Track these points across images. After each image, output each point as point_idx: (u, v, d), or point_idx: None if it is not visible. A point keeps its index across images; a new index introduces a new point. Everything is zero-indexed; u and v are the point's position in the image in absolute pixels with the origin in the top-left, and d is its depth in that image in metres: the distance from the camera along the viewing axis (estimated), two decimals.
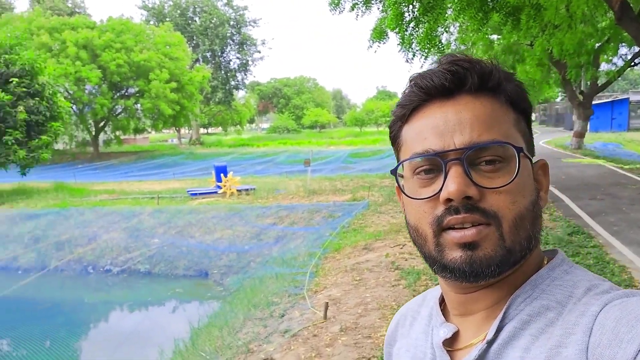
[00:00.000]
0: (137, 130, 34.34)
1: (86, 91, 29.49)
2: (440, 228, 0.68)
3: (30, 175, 16.65)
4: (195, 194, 14.89)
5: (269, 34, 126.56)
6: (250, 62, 48.44)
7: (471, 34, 16.43)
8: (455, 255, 0.67)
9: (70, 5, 43.02)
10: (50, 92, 16.37)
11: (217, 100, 45.98)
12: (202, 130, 55.11)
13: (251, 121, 65.77)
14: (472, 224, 0.66)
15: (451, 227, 0.67)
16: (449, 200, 0.67)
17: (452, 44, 20.96)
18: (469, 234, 0.66)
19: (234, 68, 47.93)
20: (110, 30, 30.31)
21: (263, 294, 7.19)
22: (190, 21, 46.30)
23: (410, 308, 0.93)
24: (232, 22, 46.94)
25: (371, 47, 11.01)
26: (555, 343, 0.63)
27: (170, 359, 6.27)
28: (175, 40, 33.83)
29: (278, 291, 7.06)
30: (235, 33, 47.38)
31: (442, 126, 0.69)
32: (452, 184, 0.66)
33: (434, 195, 0.69)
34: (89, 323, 9.84)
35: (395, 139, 0.78)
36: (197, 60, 44.38)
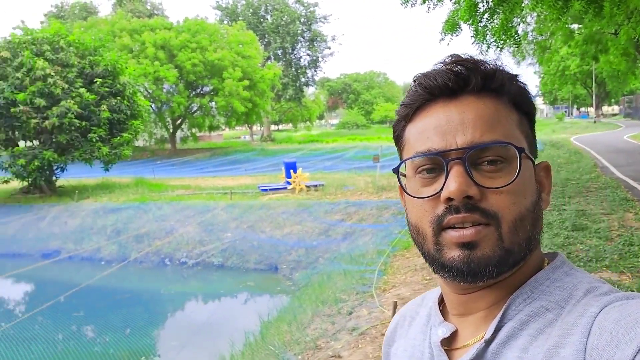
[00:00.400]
0: (212, 128, 35.43)
1: (164, 90, 30.78)
2: (440, 227, 0.68)
3: (112, 171, 17.58)
4: (266, 189, 15.16)
5: (339, 30, 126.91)
6: (320, 59, 48.73)
7: (550, 24, 15.60)
8: (453, 254, 0.67)
9: (149, 7, 45.01)
10: (131, 91, 17.18)
11: (287, 97, 46.62)
12: (272, 127, 56.14)
13: (320, 117, 66.28)
14: (472, 224, 0.66)
15: (451, 227, 0.67)
16: (449, 199, 0.67)
17: (529, 35, 20.09)
18: (467, 233, 0.66)
19: (304, 65, 48.39)
20: (186, 30, 31.43)
21: (331, 290, 7.20)
22: (262, 19, 47.18)
23: (409, 308, 0.93)
24: (302, 19, 47.38)
25: (443, 39, 10.70)
26: (553, 343, 0.63)
27: (240, 351, 6.40)
28: (248, 39, 34.58)
29: (346, 288, 7.05)
30: (305, 30, 47.80)
31: (444, 126, 0.70)
32: (453, 183, 0.66)
33: (435, 194, 0.69)
34: (165, 312, 10.27)
35: (398, 138, 0.79)
36: (268, 58, 45.17)
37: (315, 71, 48.94)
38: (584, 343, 0.60)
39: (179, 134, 36.33)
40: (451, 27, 11.00)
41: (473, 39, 11.45)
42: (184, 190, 16.70)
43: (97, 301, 10.10)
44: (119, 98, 16.54)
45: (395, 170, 0.77)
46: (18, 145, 15.98)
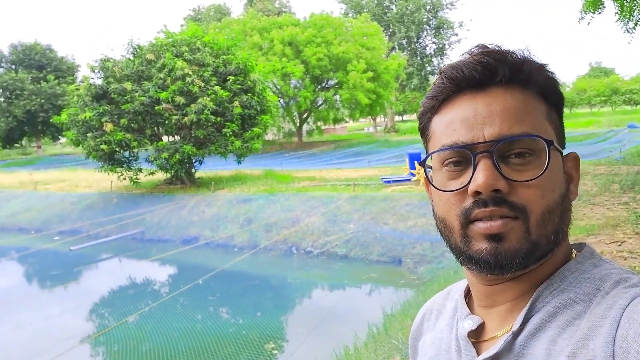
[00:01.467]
0: (336, 120, 35.98)
1: (291, 85, 31.82)
2: (468, 220, 0.68)
3: (244, 164, 18.55)
4: (389, 181, 15.05)
5: (467, 16, 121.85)
6: (446, 46, 47.25)
7: None
8: (481, 246, 0.67)
9: (277, 5, 46.77)
10: (260, 87, 17.96)
11: (412, 87, 45.90)
12: (396, 118, 55.64)
13: None
14: (500, 217, 0.66)
15: (478, 219, 0.67)
16: (477, 193, 0.66)
17: None
18: (495, 225, 0.66)
19: (430, 53, 47.25)
20: (312, 26, 32.15)
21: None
22: (386, 10, 46.81)
23: (435, 302, 0.93)
24: (428, 7, 46.23)
25: (583, 18, 9.81)
26: (582, 335, 0.62)
27: (364, 342, 6.41)
28: (372, 31, 34.51)
29: None
30: (431, 18, 46.60)
31: (471, 118, 0.69)
32: (481, 177, 0.66)
33: (463, 187, 0.68)
34: (292, 299, 10.63)
35: (424, 131, 0.78)
36: (392, 48, 44.75)
37: (441, 59, 47.58)
38: (613, 335, 0.59)
39: (305, 127, 37.39)
40: (593, 4, 10.07)
41: (617, 16, 10.42)
42: (309, 181, 17.15)
43: (231, 285, 10.73)
44: (249, 94, 17.37)
45: (422, 163, 0.77)
46: (162, 140, 17.47)
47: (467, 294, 0.83)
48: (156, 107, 16.13)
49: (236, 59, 17.71)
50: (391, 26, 46.38)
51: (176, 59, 16.60)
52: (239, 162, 18.08)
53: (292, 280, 11.46)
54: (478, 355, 0.73)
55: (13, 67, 41.42)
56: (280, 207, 14.19)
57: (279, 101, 29.62)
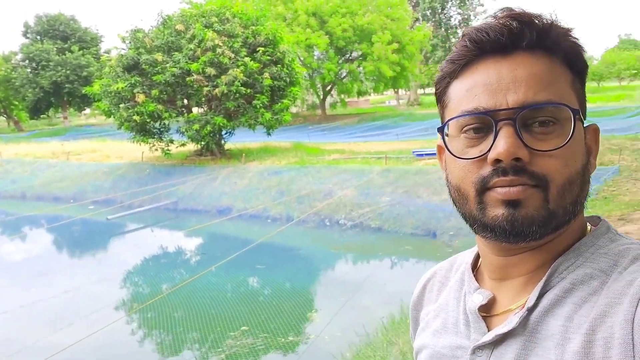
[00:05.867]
0: (360, 93, 35.70)
1: (315, 57, 31.54)
2: (485, 188, 0.66)
3: (270, 136, 18.60)
4: (421, 154, 14.99)
5: None
6: (472, 17, 46.29)
7: None
8: (497, 212, 0.65)
9: None
10: (290, 59, 17.87)
11: (436, 59, 45.19)
12: (419, 91, 55.00)
13: None
14: (519, 185, 0.64)
15: (497, 187, 0.65)
16: (497, 161, 0.65)
17: None
18: (514, 190, 0.64)
19: (455, 24, 46.37)
20: None
21: None
22: None
23: (437, 273, 0.91)
24: None
25: None
26: (599, 312, 0.61)
27: (398, 319, 6.46)
28: (397, 1, 33.89)
29: None
30: None
31: (495, 83, 0.66)
32: (502, 144, 0.64)
33: (482, 155, 0.66)
34: (330, 271, 10.78)
35: (441, 96, 0.76)
36: (417, 19, 43.98)
37: None
38: (632, 312, 0.58)
39: (328, 99, 37.19)
40: None
41: None
42: (339, 154, 17.15)
43: (269, 257, 10.90)
44: (279, 66, 17.30)
45: (440, 130, 0.74)
46: (192, 112, 17.54)
47: (474, 267, 0.82)
48: (187, 79, 16.16)
49: (265, 29, 17.59)
50: None
51: (206, 29, 16.54)
52: (269, 134, 18.13)
53: (328, 253, 11.60)
54: (488, 330, 0.71)
55: (38, 37, 41.62)
56: (311, 180, 14.25)
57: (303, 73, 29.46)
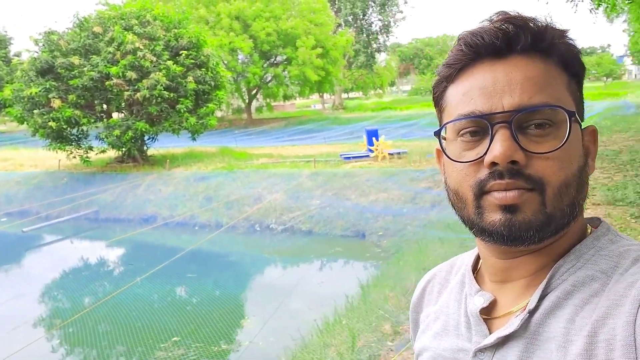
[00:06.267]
0: (286, 97, 35.80)
1: (239, 61, 31.27)
2: (482, 192, 0.67)
3: (196, 141, 18.22)
4: (349, 157, 15.24)
5: None
6: (392, 23, 47.68)
7: None
8: (494, 217, 0.66)
9: None
10: (214, 62, 17.60)
11: (359, 64, 46.10)
12: (344, 95, 55.91)
13: (392, 84, 65.18)
14: (516, 189, 0.64)
15: (493, 190, 0.66)
16: (493, 164, 0.65)
17: None
18: (510, 195, 0.64)
19: (376, 30, 47.52)
20: (259, 0, 31.60)
21: (432, 257, 7.22)
22: None
23: (437, 275, 0.91)
24: None
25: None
26: (601, 314, 0.61)
27: (343, 315, 6.53)
28: (320, 6, 34.32)
29: (448, 255, 6.99)
30: None
31: (490, 87, 0.67)
32: (498, 147, 0.64)
33: (478, 158, 0.67)
34: (262, 276, 10.69)
35: (438, 100, 0.76)
36: (339, 25, 44.70)
37: (387, 37, 48.00)
38: (634, 314, 0.59)
39: (254, 103, 36.98)
40: None
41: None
42: (267, 158, 17.09)
43: (199, 265, 10.64)
44: (203, 70, 17.00)
45: (437, 134, 0.74)
46: (112, 117, 16.85)
47: (474, 269, 0.82)
48: (106, 83, 15.51)
49: (188, 33, 17.24)
50: (337, 2, 46.23)
51: (125, 32, 15.96)
52: (194, 139, 17.75)
53: (260, 258, 11.50)
54: (490, 333, 0.71)
55: None
56: (240, 185, 14.10)
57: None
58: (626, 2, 9.96)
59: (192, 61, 16.82)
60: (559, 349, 0.63)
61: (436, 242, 8.21)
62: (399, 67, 63.19)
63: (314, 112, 42.19)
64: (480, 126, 0.68)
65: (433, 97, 0.78)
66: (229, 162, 16.42)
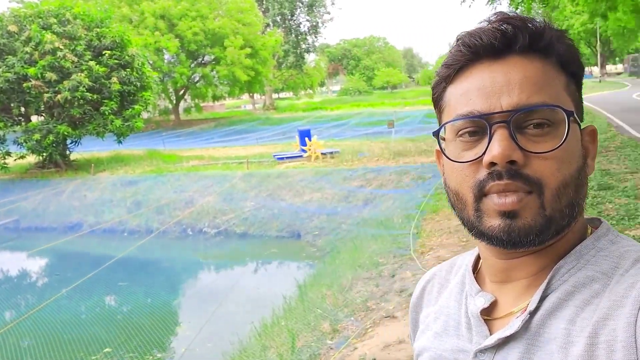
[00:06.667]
0: (215, 98, 35.27)
1: (165, 61, 30.48)
2: (482, 193, 0.66)
3: (121, 144, 17.57)
4: (282, 158, 15.24)
5: None
6: (320, 24, 48.13)
7: None
8: (493, 223, 0.66)
9: None
10: (139, 63, 17.06)
11: (288, 64, 46.20)
12: (274, 96, 55.81)
13: (321, 84, 65.79)
14: (514, 191, 0.64)
15: (492, 193, 0.65)
16: (492, 164, 0.64)
17: None
18: (509, 201, 0.64)
19: (304, 31, 47.81)
20: None
21: (367, 254, 7.36)
22: None
23: (436, 274, 0.90)
24: None
25: (464, 1, 10.70)
26: (602, 315, 0.61)
27: (280, 315, 6.53)
28: (247, 6, 34.07)
29: (381, 252, 7.20)
30: None
31: (489, 87, 0.67)
32: (497, 147, 0.64)
33: (477, 158, 0.66)
34: (194, 280, 10.49)
35: (437, 101, 0.76)
36: (267, 25, 44.56)
37: (315, 37, 48.44)
38: (635, 315, 0.58)
39: (182, 104, 36.17)
40: None
41: None
42: (198, 160, 16.78)
43: (132, 272, 10.30)
44: (128, 70, 16.43)
45: (436, 134, 0.74)
46: (31, 120, 15.94)
47: (474, 269, 0.81)
48: (24, 84, 14.68)
49: (111, 32, 16.60)
50: (264, 2, 46.07)
51: (44, 31, 15.16)
52: (120, 142, 17.10)
53: (193, 262, 11.31)
54: (491, 334, 0.71)
55: None
56: (170, 188, 13.76)
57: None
58: (540, 5, 10.56)
59: (116, 61, 16.23)
60: (560, 350, 0.63)
61: (370, 239, 8.38)
62: (328, 68, 63.88)
63: (245, 112, 41.84)
64: (479, 126, 0.68)
65: (432, 98, 0.78)
66: (157, 165, 15.98)
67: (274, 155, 15.71)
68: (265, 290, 8.88)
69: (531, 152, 0.64)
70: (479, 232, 0.68)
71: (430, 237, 7.14)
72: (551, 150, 0.64)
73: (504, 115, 0.65)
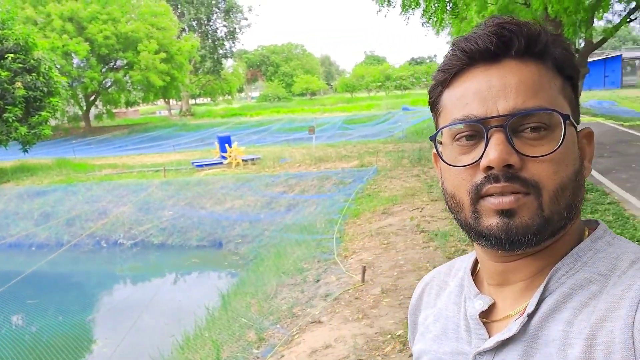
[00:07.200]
0: (129, 103, 33.97)
1: (74, 65, 28.97)
2: (479, 196, 0.67)
3: (28, 153, 16.50)
4: (201, 165, 14.91)
5: (256, 1, 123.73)
6: (237, 30, 47.67)
7: None
8: (491, 222, 0.66)
9: None
10: (46, 67, 16.09)
11: (205, 70, 45.38)
12: (191, 101, 54.55)
13: (240, 90, 65.17)
14: (512, 193, 0.65)
15: (489, 195, 0.66)
16: (489, 168, 0.65)
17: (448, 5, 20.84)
18: (507, 200, 0.65)
19: (222, 36, 47.16)
20: (95, 1, 29.57)
21: (291, 260, 7.35)
22: None
23: (435, 277, 0.91)
24: None
25: (380, 11, 11.04)
26: (599, 317, 0.62)
27: (203, 327, 6.38)
28: (162, 10, 33.13)
29: (305, 257, 7.22)
30: (220, 0, 46.43)
31: (485, 91, 0.67)
32: (494, 151, 0.64)
33: (474, 162, 0.67)
34: (109, 295, 10.00)
35: (434, 105, 0.76)
36: (183, 30, 43.55)
37: (233, 43, 47.91)
38: (632, 317, 0.59)
39: (93, 111, 34.49)
40: None
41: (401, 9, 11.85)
42: (112, 169, 16.04)
43: (41, 289, 9.65)
44: (34, 74, 15.45)
45: (433, 138, 0.75)
46: None
47: (473, 272, 0.82)
48: None
49: (14, 34, 15.55)
50: (180, 6, 45.02)
51: None
52: (25, 151, 16.02)
53: (108, 276, 10.78)
54: (489, 336, 0.71)
55: None
56: (82, 199, 13.05)
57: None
58: (450, 17, 11.11)
59: (21, 65, 15.23)
60: (559, 352, 0.63)
61: (293, 244, 8.37)
62: (246, 74, 63.40)
63: (160, 118, 40.55)
64: (475, 130, 0.68)
65: (429, 102, 0.78)
66: (67, 174, 15.12)
67: (193, 163, 15.33)
68: (186, 302, 8.63)
69: (528, 155, 0.65)
70: (477, 234, 0.69)
71: (352, 241, 7.25)
72: (548, 154, 0.65)
73: (500, 120, 0.66)
